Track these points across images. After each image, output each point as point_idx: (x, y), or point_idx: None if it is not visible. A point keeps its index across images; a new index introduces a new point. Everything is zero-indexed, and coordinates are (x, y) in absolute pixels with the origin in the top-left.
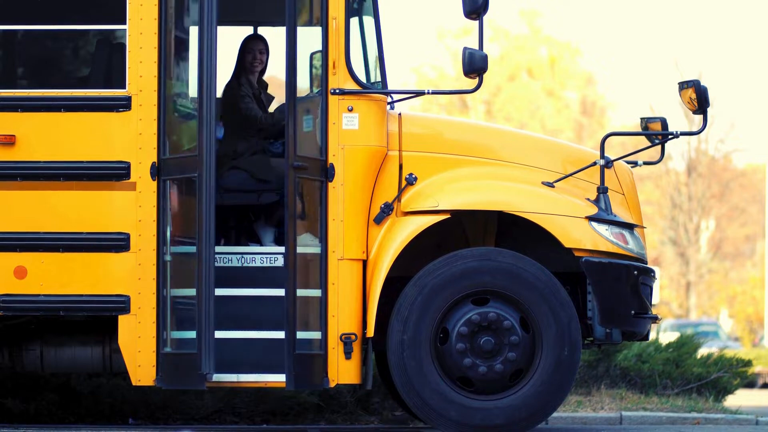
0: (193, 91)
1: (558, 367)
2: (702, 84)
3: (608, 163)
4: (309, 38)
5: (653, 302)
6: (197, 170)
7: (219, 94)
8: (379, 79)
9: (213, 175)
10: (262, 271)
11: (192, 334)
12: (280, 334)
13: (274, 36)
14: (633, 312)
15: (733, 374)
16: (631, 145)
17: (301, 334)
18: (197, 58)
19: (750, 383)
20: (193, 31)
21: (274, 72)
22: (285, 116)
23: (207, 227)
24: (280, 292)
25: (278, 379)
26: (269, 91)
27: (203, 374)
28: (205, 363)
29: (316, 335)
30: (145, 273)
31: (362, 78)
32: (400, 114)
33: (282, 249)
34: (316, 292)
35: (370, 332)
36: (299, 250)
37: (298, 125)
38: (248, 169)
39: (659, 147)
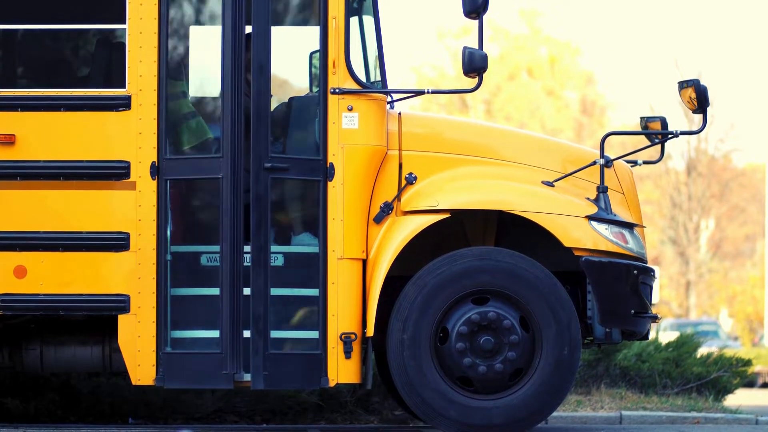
0: (193, 90)
1: (558, 367)
2: (702, 83)
3: (608, 163)
4: (309, 38)
5: (653, 302)
6: (221, 172)
7: (216, 93)
8: (378, 78)
9: (241, 177)
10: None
11: (192, 334)
12: (281, 334)
13: (275, 36)
14: (633, 311)
15: (732, 374)
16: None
17: (300, 334)
18: (221, 58)
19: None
20: (194, 31)
21: (274, 72)
22: (283, 115)
23: (234, 228)
24: (281, 291)
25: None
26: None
27: (230, 374)
28: (231, 363)
29: (315, 335)
30: (144, 272)
31: (362, 77)
32: (399, 113)
33: (282, 249)
34: (316, 292)
35: (370, 332)
36: (299, 249)
37: (278, 125)
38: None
39: (659, 146)
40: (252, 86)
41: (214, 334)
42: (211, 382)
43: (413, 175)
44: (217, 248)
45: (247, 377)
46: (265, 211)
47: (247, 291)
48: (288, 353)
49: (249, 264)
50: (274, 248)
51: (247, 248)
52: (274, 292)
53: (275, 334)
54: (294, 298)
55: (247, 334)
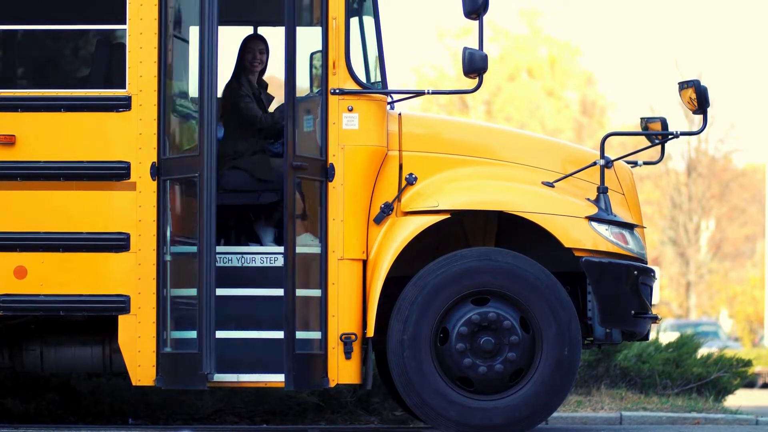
0: (193, 90)
1: (558, 367)
2: (702, 84)
3: (608, 163)
4: (309, 38)
5: (653, 302)
6: (198, 170)
7: (219, 94)
8: (379, 79)
9: (214, 175)
10: (262, 271)
11: (192, 334)
12: (280, 334)
13: (274, 36)
14: (633, 312)
15: (733, 374)
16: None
17: (301, 334)
18: (198, 58)
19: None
20: (194, 31)
21: (274, 72)
22: (284, 116)
23: (208, 227)
24: (280, 292)
25: (278, 379)
26: (269, 91)
27: (204, 374)
28: (206, 363)
29: (316, 335)
30: (145, 273)
31: (362, 78)
32: (400, 114)
33: (282, 249)
34: (316, 292)
35: (370, 332)
36: (299, 250)
37: (297, 125)
38: (248, 169)
39: (659, 147)
40: (285, 82)
41: (218, 334)
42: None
43: (413, 176)
44: (218, 248)
45: (219, 378)
46: (292, 211)
47: (219, 291)
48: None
49: (223, 264)
50: (273, 248)
51: (219, 248)
52: (274, 292)
53: (275, 334)
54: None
55: (219, 334)
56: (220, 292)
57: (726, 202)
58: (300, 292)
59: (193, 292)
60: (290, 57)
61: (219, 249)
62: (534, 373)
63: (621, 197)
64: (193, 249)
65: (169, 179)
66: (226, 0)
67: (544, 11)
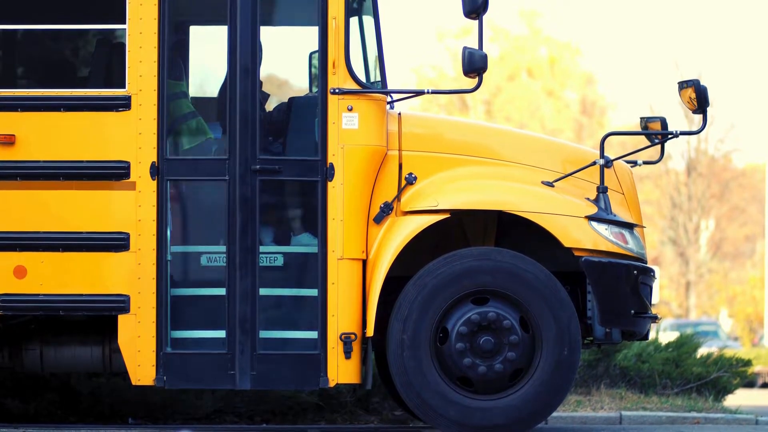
0: (193, 90)
1: (558, 367)
2: (702, 84)
3: (608, 163)
4: (309, 38)
5: (653, 302)
6: (227, 174)
7: (215, 94)
8: (378, 78)
9: (248, 179)
10: (261, 270)
11: (192, 334)
12: (280, 334)
13: (274, 36)
14: (633, 312)
15: (732, 374)
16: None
17: (300, 334)
18: (227, 59)
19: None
20: (194, 31)
21: (274, 72)
22: (282, 115)
23: (252, 229)
24: (283, 291)
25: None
26: (263, 88)
27: (235, 374)
28: (238, 363)
29: (315, 335)
30: (144, 273)
31: (362, 78)
32: (399, 114)
33: (282, 249)
34: (316, 292)
35: (370, 332)
36: (299, 249)
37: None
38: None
39: (659, 147)
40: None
41: (215, 334)
42: (212, 382)
43: (413, 176)
44: (217, 248)
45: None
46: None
47: (219, 291)
48: (288, 353)
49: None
50: (273, 248)
51: (219, 248)
52: (274, 292)
53: (275, 334)
54: (294, 299)
55: (219, 334)
56: (220, 291)
57: (726, 202)
58: (300, 292)
59: (194, 291)
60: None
61: (218, 249)
62: (534, 373)
63: (621, 197)
64: (193, 249)
65: (176, 179)
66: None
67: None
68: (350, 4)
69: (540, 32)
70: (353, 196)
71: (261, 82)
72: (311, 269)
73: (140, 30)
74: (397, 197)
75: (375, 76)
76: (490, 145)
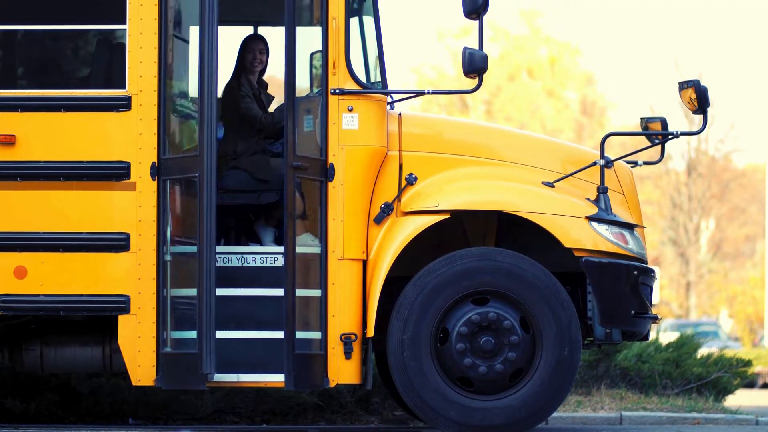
0: (193, 91)
1: (558, 367)
2: (702, 84)
3: (608, 163)
4: (309, 38)
5: (653, 302)
6: (197, 170)
7: (219, 94)
8: (379, 79)
9: (214, 175)
10: (262, 271)
11: (192, 334)
12: (280, 334)
13: (274, 36)
14: (633, 312)
15: (733, 374)
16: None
17: (301, 334)
18: (198, 58)
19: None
20: (194, 31)
21: (275, 72)
22: (284, 116)
23: (208, 227)
24: (280, 291)
25: (278, 379)
26: (269, 91)
27: (204, 374)
28: (206, 363)
29: (316, 335)
30: (145, 273)
31: (362, 78)
32: (400, 114)
33: (282, 249)
34: (316, 292)
35: (370, 332)
36: (299, 250)
37: (297, 125)
38: (248, 169)
39: (659, 147)
40: (285, 82)
41: (218, 334)
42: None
43: (413, 176)
44: (217, 248)
45: (219, 378)
46: (292, 211)
47: (219, 291)
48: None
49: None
50: (273, 248)
51: (219, 248)
52: (274, 292)
53: (275, 334)
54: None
55: (219, 334)
56: (220, 291)
57: (726, 202)
58: (300, 292)
59: (193, 292)
60: (290, 57)
61: (219, 249)
62: (534, 373)
63: (621, 197)
64: (193, 249)
65: (169, 179)
66: (226, 0)
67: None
68: (350, 4)
69: (540, 32)
70: (354, 196)
71: (266, 84)
72: (311, 270)
73: (140, 30)
74: (398, 197)
75: (375, 76)
76: (490, 145)
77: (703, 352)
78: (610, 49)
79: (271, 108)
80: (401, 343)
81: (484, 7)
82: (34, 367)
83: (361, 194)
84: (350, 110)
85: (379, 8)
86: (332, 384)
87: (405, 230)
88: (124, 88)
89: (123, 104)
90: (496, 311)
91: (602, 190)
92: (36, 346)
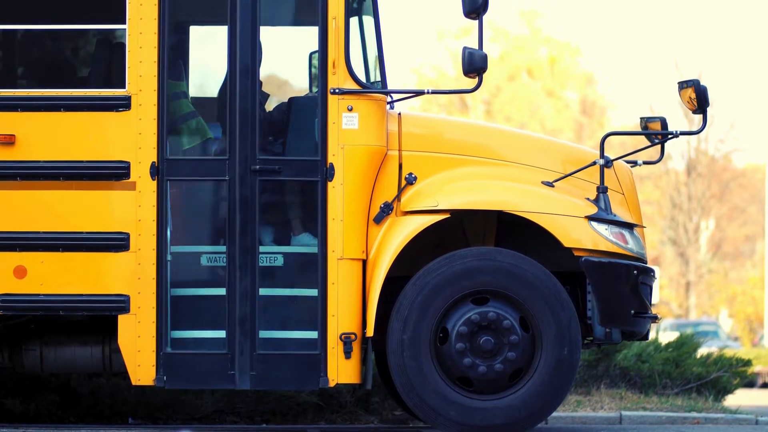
0: (193, 90)
1: (558, 367)
2: (702, 84)
3: (608, 163)
4: (309, 38)
5: (653, 302)
6: (228, 174)
7: (215, 94)
8: (378, 79)
9: (248, 179)
10: (262, 270)
11: (192, 334)
12: (280, 334)
13: (275, 36)
14: (633, 312)
15: (732, 374)
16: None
17: (300, 334)
18: (227, 59)
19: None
20: (194, 31)
21: (274, 72)
22: (282, 115)
23: (252, 229)
24: (280, 291)
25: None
26: (263, 88)
27: (235, 374)
28: (238, 363)
29: (315, 335)
30: (144, 273)
31: (362, 78)
32: (399, 114)
33: (282, 249)
34: (316, 292)
35: (370, 332)
36: (299, 249)
37: (267, 127)
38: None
39: (659, 147)
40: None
41: (215, 334)
42: (212, 382)
43: (413, 176)
44: (217, 248)
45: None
46: (252, 212)
47: (218, 291)
48: (288, 353)
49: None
50: (273, 248)
51: (217, 248)
52: (274, 292)
53: (274, 334)
54: (294, 299)
55: (219, 334)
56: (219, 291)
57: (726, 202)
58: (300, 292)
59: (194, 291)
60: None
61: (212, 249)
62: (534, 373)
63: (621, 197)
64: (193, 249)
65: (176, 180)
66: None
67: (544, 11)
68: (350, 4)
69: (540, 32)
70: (353, 196)
71: (261, 82)
72: (311, 269)
73: (140, 30)
74: (397, 197)
75: (375, 76)
76: (490, 145)
77: (702, 351)
78: (610, 49)
79: (269, 107)
80: (401, 342)
81: (483, 7)
82: (33, 367)
83: (360, 194)
84: (350, 110)
85: (379, 8)
86: (332, 384)
87: (405, 230)
88: (124, 87)
89: (123, 104)
90: (496, 311)
91: (602, 189)
92: (36, 346)
